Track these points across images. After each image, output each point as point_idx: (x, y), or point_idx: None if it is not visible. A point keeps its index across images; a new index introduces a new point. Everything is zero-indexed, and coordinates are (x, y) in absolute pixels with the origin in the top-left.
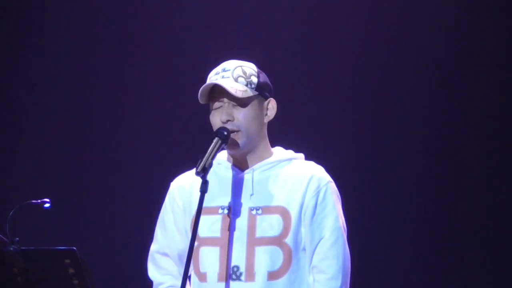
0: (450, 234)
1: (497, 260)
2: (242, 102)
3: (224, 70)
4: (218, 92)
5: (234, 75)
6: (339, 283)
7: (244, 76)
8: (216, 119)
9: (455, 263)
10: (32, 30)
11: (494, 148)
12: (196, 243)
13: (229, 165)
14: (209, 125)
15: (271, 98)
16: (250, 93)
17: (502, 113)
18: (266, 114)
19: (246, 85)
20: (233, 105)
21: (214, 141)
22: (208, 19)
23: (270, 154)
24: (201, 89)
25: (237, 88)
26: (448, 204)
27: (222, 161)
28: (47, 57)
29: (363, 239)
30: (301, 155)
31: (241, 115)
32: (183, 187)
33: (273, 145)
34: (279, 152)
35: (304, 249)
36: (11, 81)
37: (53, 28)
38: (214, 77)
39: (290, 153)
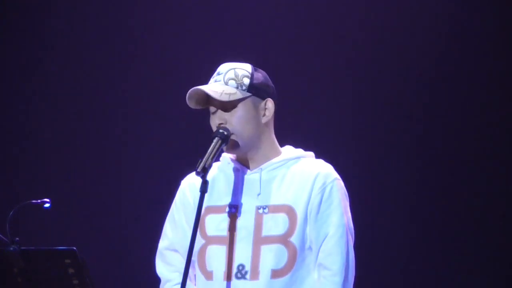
0: (452, 233)
1: (497, 260)
2: (232, 105)
3: (218, 74)
4: (210, 96)
5: (225, 78)
6: (341, 278)
7: (235, 78)
8: (212, 123)
9: (457, 262)
10: (33, 29)
11: (495, 148)
12: (203, 241)
13: (238, 164)
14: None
15: (269, 98)
16: (240, 95)
17: (502, 113)
18: (264, 115)
19: (237, 87)
20: (226, 109)
21: (214, 141)
22: (211, 19)
23: (278, 153)
24: (187, 93)
25: (224, 91)
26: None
27: (230, 161)
28: (48, 57)
29: (370, 238)
30: (311, 154)
31: (233, 118)
32: (194, 185)
33: (283, 145)
34: (287, 151)
35: (310, 248)
36: (11, 81)
37: (53, 28)
38: (210, 81)
39: (299, 151)
